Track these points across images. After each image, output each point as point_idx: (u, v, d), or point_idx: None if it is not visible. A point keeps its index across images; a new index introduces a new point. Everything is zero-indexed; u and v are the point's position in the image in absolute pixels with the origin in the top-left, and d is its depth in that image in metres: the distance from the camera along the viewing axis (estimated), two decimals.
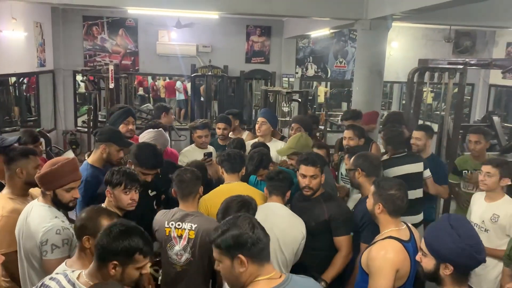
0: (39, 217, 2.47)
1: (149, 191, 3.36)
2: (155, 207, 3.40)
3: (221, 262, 1.83)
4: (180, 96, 13.95)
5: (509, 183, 3.36)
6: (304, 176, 3.20)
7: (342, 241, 3.13)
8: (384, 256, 2.41)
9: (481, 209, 3.47)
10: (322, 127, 9.23)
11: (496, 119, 6.70)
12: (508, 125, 9.51)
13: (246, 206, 2.64)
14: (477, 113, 11.00)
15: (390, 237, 2.51)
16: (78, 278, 1.94)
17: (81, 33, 9.60)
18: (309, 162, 3.19)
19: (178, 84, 13.95)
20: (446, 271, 1.92)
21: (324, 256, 3.17)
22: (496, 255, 3.29)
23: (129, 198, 2.76)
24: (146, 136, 3.76)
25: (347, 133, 4.48)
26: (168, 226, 2.92)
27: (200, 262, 2.90)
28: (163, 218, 2.98)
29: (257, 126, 4.62)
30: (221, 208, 2.66)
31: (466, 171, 4.53)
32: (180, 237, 2.89)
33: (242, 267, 1.79)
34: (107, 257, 1.87)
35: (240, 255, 1.78)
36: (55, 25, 9.30)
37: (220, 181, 3.50)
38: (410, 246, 2.52)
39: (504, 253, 3.04)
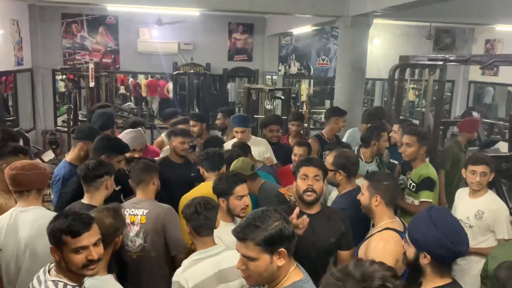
0: (47, 216, 2.38)
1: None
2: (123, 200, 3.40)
3: (257, 260, 1.73)
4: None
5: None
6: (306, 176, 2.71)
7: (347, 256, 2.80)
8: (384, 247, 2.45)
9: (465, 205, 3.49)
10: (306, 125, 9.24)
11: (475, 114, 6.81)
12: (488, 120, 9.69)
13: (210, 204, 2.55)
14: (457, 109, 11.16)
15: (388, 228, 2.55)
16: (51, 269, 2.01)
17: (60, 31, 9.41)
18: (311, 163, 2.76)
19: None
20: (424, 260, 1.97)
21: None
22: (479, 253, 3.33)
23: None
24: (125, 137, 3.76)
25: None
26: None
27: (152, 247, 2.94)
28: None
29: (237, 136, 4.52)
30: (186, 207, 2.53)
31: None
32: (133, 223, 2.95)
33: (282, 261, 1.75)
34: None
35: (283, 249, 1.74)
36: (33, 23, 9.08)
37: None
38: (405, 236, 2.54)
39: (481, 273, 2.94)
